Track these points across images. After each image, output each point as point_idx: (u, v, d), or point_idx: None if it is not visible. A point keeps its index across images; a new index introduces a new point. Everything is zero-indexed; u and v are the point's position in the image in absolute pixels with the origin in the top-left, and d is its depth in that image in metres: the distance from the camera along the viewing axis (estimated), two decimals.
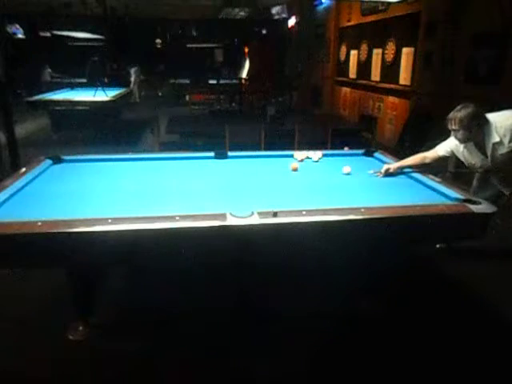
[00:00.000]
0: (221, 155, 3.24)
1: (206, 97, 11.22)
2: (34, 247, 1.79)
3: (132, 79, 12.50)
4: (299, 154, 3.23)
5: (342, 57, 9.32)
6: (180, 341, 2.31)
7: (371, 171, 2.84)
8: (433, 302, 2.73)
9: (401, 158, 2.99)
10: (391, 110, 7.19)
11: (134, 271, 2.93)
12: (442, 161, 2.98)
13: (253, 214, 1.91)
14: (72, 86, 8.92)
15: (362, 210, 2.01)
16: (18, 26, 12.78)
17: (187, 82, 12.20)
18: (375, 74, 7.75)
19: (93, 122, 6.86)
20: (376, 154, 3.33)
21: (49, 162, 2.95)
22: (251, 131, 5.01)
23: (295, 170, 2.93)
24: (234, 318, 2.45)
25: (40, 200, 2.27)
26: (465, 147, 2.82)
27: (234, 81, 10.74)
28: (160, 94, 13.21)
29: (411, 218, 2.03)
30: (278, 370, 2.12)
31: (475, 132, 2.68)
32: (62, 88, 8.65)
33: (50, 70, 11.70)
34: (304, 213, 1.95)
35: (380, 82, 7.56)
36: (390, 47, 7.10)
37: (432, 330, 2.44)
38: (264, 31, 13.90)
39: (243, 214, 1.90)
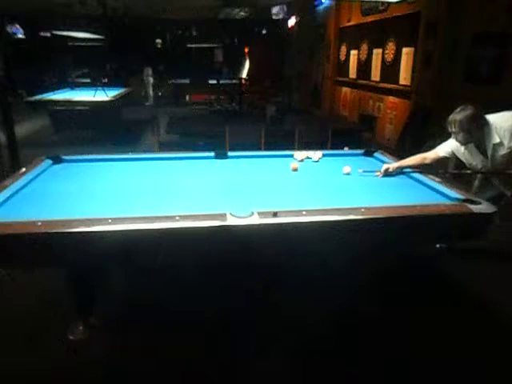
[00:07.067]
0: (221, 155, 3.25)
1: (206, 97, 11.22)
2: (34, 247, 1.79)
3: (147, 81, 12.44)
4: (299, 154, 3.23)
5: (342, 57, 9.32)
6: (180, 341, 2.31)
7: (360, 170, 2.83)
8: (433, 301, 2.72)
9: (401, 158, 2.99)
10: (391, 109, 7.20)
11: (134, 271, 2.93)
12: (442, 161, 2.97)
13: (253, 214, 1.91)
14: (72, 86, 8.93)
15: (362, 209, 2.01)
16: (18, 26, 12.76)
17: (187, 82, 12.20)
18: (375, 74, 7.75)
19: (93, 122, 6.86)
20: (376, 154, 3.33)
21: (49, 161, 2.95)
22: (251, 131, 5.01)
23: (295, 170, 2.93)
24: (234, 317, 2.45)
25: (40, 200, 2.27)
26: (465, 148, 2.82)
27: (234, 81, 10.74)
28: (160, 94, 13.21)
29: (411, 218, 2.03)
30: (277, 370, 2.12)
31: (475, 133, 2.68)
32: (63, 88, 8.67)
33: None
34: (304, 213, 1.95)
35: (380, 81, 7.57)
36: (390, 47, 7.10)
37: (432, 330, 2.43)
38: (264, 31, 13.90)
39: (243, 213, 1.90)
